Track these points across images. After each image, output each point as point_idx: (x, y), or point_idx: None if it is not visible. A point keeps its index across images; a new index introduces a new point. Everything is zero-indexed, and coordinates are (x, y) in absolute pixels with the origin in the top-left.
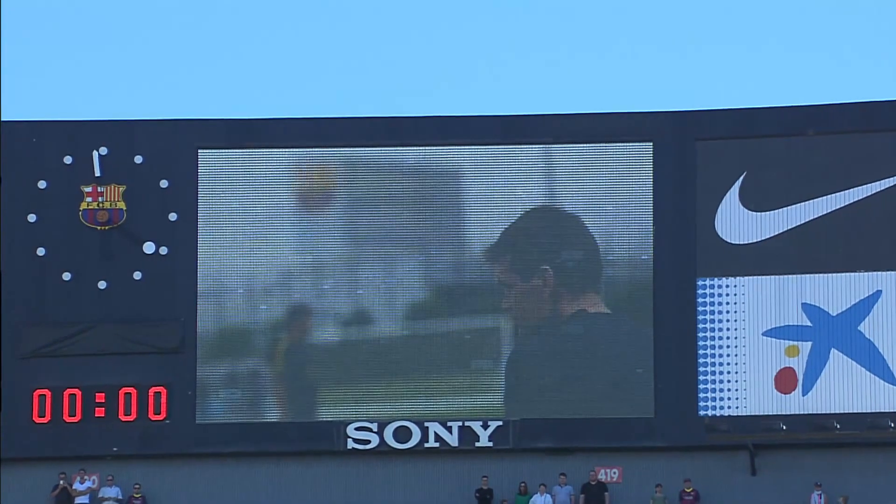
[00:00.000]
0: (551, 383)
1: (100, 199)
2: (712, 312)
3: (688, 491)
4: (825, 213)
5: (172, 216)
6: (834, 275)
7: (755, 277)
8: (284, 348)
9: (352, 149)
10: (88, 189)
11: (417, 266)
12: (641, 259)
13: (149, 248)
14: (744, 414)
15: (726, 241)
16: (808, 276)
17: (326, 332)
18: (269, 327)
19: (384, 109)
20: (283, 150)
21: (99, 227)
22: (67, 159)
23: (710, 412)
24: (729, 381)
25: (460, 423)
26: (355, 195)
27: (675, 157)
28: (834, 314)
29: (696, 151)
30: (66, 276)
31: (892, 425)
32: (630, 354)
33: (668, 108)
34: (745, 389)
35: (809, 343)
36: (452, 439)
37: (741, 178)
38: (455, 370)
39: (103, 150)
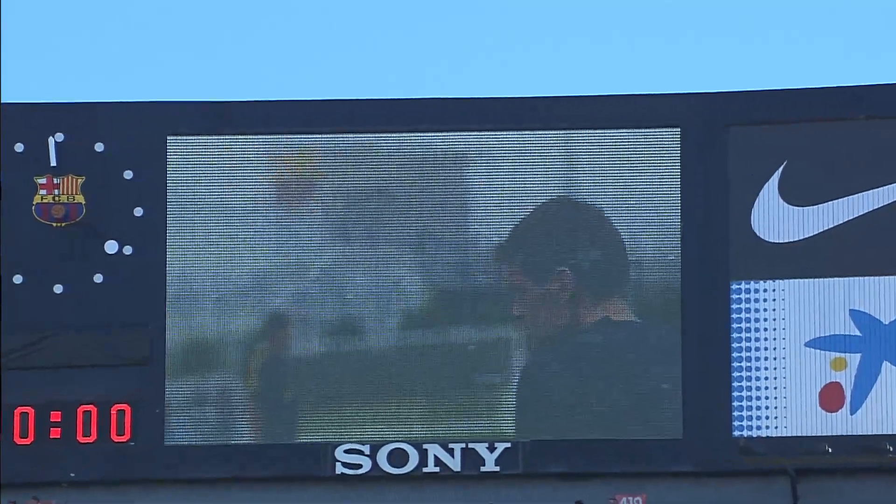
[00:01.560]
0: (566, 400)
1: (55, 192)
2: (748, 320)
3: None
4: (877, 207)
5: (138, 211)
6: (886, 278)
7: (797, 280)
8: (264, 361)
9: (342, 135)
10: (43, 181)
11: (415, 268)
12: (668, 259)
13: (111, 247)
14: (784, 435)
15: (764, 240)
16: (856, 279)
17: (312, 342)
18: (248, 337)
19: (378, 91)
20: (264, 136)
21: (55, 224)
22: (18, 147)
23: (745, 433)
24: (767, 398)
25: (463, 446)
26: (345, 188)
27: (706, 144)
28: (886, 322)
29: (729, 138)
30: (18, 279)
31: None
32: (655, 368)
33: (698, 89)
34: (785, 407)
35: (858, 355)
36: (454, 463)
37: (780, 168)
38: (458, 386)
39: (59, 137)
